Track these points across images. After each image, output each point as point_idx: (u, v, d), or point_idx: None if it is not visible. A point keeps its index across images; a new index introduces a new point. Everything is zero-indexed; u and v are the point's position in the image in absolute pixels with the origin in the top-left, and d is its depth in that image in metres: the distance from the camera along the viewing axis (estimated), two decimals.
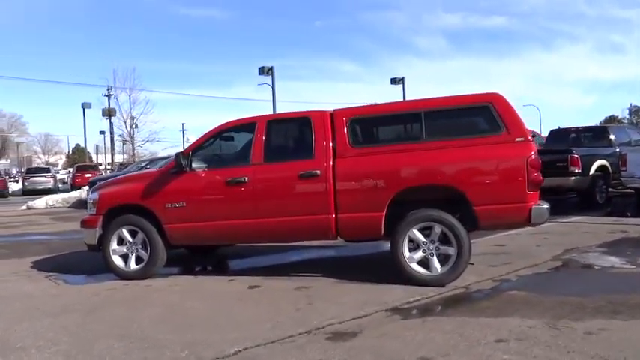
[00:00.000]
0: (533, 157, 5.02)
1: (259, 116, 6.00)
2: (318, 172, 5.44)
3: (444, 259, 5.22)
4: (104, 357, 3.60)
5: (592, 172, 11.27)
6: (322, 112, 5.74)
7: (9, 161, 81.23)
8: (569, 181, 11.03)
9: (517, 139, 5.09)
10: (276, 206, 5.62)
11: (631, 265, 5.85)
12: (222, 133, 6.18)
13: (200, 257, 7.51)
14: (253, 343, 3.76)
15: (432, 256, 5.23)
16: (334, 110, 5.73)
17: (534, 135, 15.82)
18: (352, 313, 4.42)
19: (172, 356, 3.56)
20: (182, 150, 6.50)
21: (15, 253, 8.45)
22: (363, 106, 5.86)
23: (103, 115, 50.47)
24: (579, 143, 13.09)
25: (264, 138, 5.77)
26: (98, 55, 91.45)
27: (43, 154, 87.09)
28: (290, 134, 5.98)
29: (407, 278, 5.25)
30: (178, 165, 5.83)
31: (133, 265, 6.11)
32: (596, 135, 13.55)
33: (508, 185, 5.04)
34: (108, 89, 50.95)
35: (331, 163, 5.45)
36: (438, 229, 5.19)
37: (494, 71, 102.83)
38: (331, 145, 5.51)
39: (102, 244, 6.16)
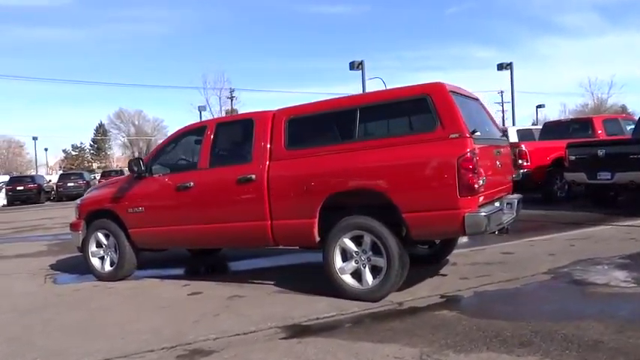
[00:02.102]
0: (467, 155, 4.29)
1: (211, 119, 5.91)
2: (253, 176, 5.21)
3: (379, 271, 4.70)
4: None
5: None
6: (265, 113, 5.48)
7: None
8: None
9: (451, 136, 4.40)
10: (217, 212, 5.49)
11: (632, 284, 4.80)
12: (180, 138, 6.20)
13: (198, 259, 7.64)
14: (108, 356, 3.72)
15: (364, 267, 4.75)
16: (276, 110, 5.44)
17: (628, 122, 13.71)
18: (243, 328, 4.18)
19: None
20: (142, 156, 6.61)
21: (57, 251, 9.27)
22: (301, 105, 5.46)
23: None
24: None
25: (211, 142, 5.67)
26: (223, 59, 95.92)
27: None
28: (235, 137, 5.79)
29: (338, 291, 4.83)
30: (131, 171, 5.97)
31: (107, 267, 6.38)
32: None
33: (436, 189, 4.38)
34: (231, 91, 54.32)
35: (266, 166, 5.19)
36: (367, 238, 4.70)
37: None
38: (268, 147, 5.24)
39: (83, 246, 6.52)
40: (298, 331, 4.07)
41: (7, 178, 35.45)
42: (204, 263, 7.53)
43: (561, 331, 3.62)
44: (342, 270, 4.82)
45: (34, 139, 57.04)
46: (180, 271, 6.94)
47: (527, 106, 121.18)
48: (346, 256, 4.84)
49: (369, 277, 4.72)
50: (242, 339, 3.95)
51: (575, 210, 10.42)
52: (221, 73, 58.17)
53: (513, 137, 14.11)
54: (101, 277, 6.37)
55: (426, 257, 6.17)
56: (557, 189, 11.95)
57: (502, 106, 61.00)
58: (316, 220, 4.93)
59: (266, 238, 5.24)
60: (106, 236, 6.36)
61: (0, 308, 5.33)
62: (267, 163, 5.19)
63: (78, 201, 6.85)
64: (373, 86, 27.74)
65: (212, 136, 5.66)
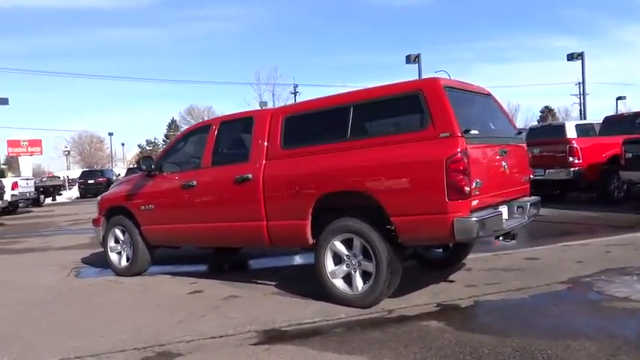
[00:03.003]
0: (457, 156, 3.98)
1: (217, 117, 5.88)
2: (250, 175, 5.12)
3: (370, 276, 4.49)
4: None
5: None
6: (264, 111, 5.39)
7: None
8: None
9: (441, 135, 4.10)
10: (217, 211, 5.47)
11: None
12: (189, 136, 6.22)
13: (219, 257, 7.70)
14: (79, 354, 3.76)
15: (355, 272, 4.55)
16: (275, 108, 5.33)
17: None
18: (221, 331, 4.12)
19: None
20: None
21: (96, 244, 9.57)
22: (299, 102, 5.30)
23: None
24: None
25: (214, 141, 5.65)
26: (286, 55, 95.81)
27: None
28: (236, 136, 5.71)
29: (329, 295, 4.66)
30: (140, 169, 6.07)
31: (123, 263, 6.54)
32: None
33: (424, 192, 4.09)
34: (294, 87, 54.68)
35: (263, 165, 5.09)
36: (357, 241, 4.49)
37: None
38: (265, 146, 5.14)
39: (104, 242, 6.73)
40: (273, 336, 3.95)
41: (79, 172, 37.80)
42: (223, 261, 7.56)
43: (546, 351, 3.28)
44: (334, 274, 4.64)
45: (110, 134, 60.38)
46: (194, 268, 6.96)
47: (610, 97, 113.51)
48: (339, 259, 4.67)
49: (359, 282, 4.53)
50: (214, 342, 3.89)
51: (631, 212, 9.63)
52: (274, 68, 58.59)
53: (572, 133, 13.22)
54: (118, 271, 6.54)
55: (440, 261, 5.87)
56: (613, 189, 11.07)
57: (580, 98, 57.54)
58: (309, 221, 4.78)
59: (262, 238, 5.14)
60: (123, 232, 6.51)
61: (13, 300, 5.58)
62: (264, 162, 5.10)
63: (99, 197, 7.07)
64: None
65: (215, 135, 5.64)
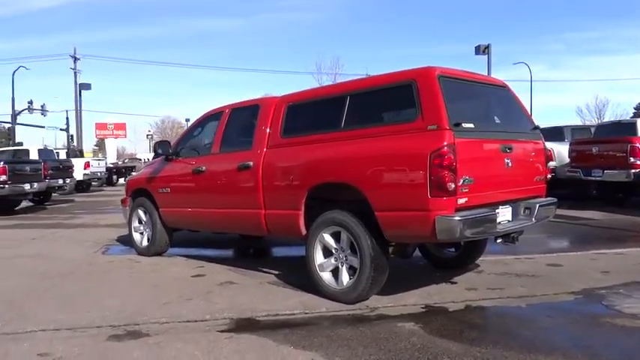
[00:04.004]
0: (442, 150, 3.74)
1: (228, 105, 5.92)
2: (251, 163, 5.13)
3: (355, 271, 4.36)
4: None
5: None
6: (270, 99, 5.35)
7: None
8: None
9: (429, 127, 3.87)
10: (221, 196, 5.51)
11: None
12: (204, 123, 6.29)
13: (244, 243, 7.79)
14: (59, 327, 3.92)
15: (342, 266, 4.44)
16: (281, 96, 5.28)
17: None
18: (198, 315, 4.17)
19: None
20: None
21: None
22: (301, 91, 5.19)
23: None
24: None
25: (224, 127, 5.69)
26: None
27: None
28: (243, 123, 5.68)
29: (316, 288, 4.58)
30: (156, 153, 6.22)
31: (144, 243, 6.78)
32: None
33: (407, 187, 3.89)
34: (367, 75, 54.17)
35: (263, 153, 5.07)
36: (344, 235, 4.37)
37: None
38: (267, 134, 5.12)
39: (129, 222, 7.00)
40: (243, 325, 3.93)
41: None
42: (245, 247, 7.64)
43: None
44: (322, 267, 4.55)
45: (187, 120, 62.79)
46: (212, 253, 7.02)
47: None
48: (329, 252, 4.56)
49: (345, 276, 4.41)
50: (185, 326, 3.93)
51: None
52: (336, 58, 57.67)
53: None
54: (139, 251, 6.79)
55: (451, 260, 5.61)
56: None
57: None
58: (302, 212, 4.71)
59: (260, 227, 5.14)
60: (145, 213, 6.73)
61: (37, 270, 5.94)
62: (265, 150, 5.07)
63: (126, 179, 7.35)
64: (515, 72, 25.56)
65: (225, 122, 5.69)
